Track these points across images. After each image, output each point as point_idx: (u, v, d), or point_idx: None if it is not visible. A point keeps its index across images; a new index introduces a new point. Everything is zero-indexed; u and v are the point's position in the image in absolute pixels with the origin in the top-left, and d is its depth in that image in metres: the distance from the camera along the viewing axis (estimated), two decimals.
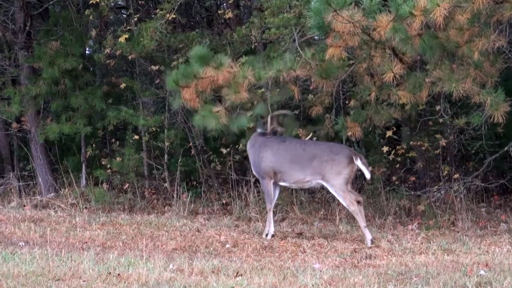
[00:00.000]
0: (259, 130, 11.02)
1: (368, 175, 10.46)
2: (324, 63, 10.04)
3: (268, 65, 10.21)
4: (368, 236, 10.18)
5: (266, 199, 10.79)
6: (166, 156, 14.26)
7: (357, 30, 9.10)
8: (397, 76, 9.53)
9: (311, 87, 12.29)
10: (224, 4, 15.85)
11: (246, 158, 14.13)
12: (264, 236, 10.64)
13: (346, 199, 10.32)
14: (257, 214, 12.41)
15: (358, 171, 10.62)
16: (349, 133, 11.26)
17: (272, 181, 10.68)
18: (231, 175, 13.64)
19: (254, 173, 11.02)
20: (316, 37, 11.54)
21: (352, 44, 9.40)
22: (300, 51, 10.20)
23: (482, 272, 7.83)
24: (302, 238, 10.70)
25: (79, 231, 11.00)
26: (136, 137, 14.27)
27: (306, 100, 12.30)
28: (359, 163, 10.33)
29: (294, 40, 10.71)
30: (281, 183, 10.78)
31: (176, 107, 11.05)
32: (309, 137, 12.11)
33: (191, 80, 10.04)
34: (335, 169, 10.36)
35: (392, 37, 9.05)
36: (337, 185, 10.34)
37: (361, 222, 10.29)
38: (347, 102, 12.84)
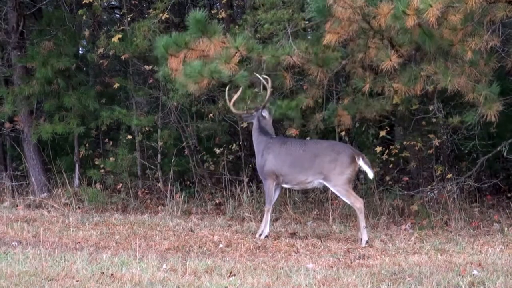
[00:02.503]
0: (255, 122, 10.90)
1: (371, 174, 10.40)
2: (319, 54, 10.02)
3: (264, 49, 10.15)
4: (365, 238, 10.16)
5: (266, 200, 10.78)
6: (159, 156, 14.26)
7: (357, 17, 9.09)
8: (395, 65, 9.50)
9: (304, 87, 12.30)
10: (218, 4, 15.84)
11: (239, 158, 14.15)
12: (257, 236, 10.64)
13: (351, 197, 10.30)
14: (250, 214, 12.41)
15: (360, 171, 10.62)
16: (338, 121, 11.22)
17: (274, 183, 10.67)
18: (225, 175, 13.64)
19: (258, 173, 11.01)
20: (312, 25, 11.51)
21: (350, 32, 9.37)
22: (294, 46, 10.18)
23: (475, 272, 7.85)
24: (296, 238, 10.71)
25: (72, 231, 10.98)
26: (130, 137, 14.26)
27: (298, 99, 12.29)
28: (361, 162, 10.29)
29: (289, 38, 10.69)
30: (284, 185, 10.77)
31: (161, 76, 10.92)
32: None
33: (181, 49, 9.95)
34: (338, 169, 10.31)
35: (392, 26, 9.04)
36: (339, 184, 10.31)
37: (362, 222, 10.27)
38: (340, 102, 12.84)
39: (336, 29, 9.32)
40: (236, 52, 9.89)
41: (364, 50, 10.06)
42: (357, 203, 10.30)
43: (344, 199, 10.45)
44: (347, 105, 11.29)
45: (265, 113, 10.89)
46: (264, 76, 10.71)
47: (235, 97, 10.74)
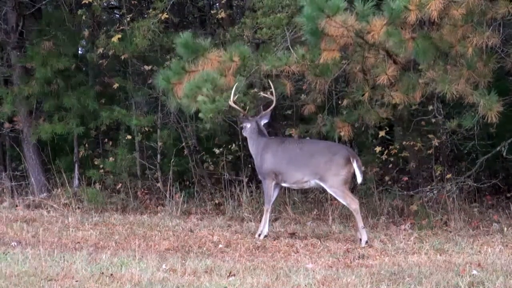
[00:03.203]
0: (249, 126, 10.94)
1: (359, 179, 10.42)
2: (316, 63, 10.01)
3: (263, 60, 10.14)
4: (364, 238, 10.16)
5: (265, 200, 10.79)
6: (159, 156, 14.25)
7: (350, 34, 9.09)
8: (391, 78, 9.52)
9: (303, 87, 12.29)
10: (217, 4, 15.82)
11: (238, 158, 14.15)
12: (257, 236, 10.63)
13: (347, 198, 10.32)
14: (250, 214, 12.41)
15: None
16: (341, 133, 11.24)
17: (273, 182, 10.68)
18: (224, 175, 13.63)
19: (258, 174, 11.03)
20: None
21: (346, 46, 9.38)
22: (292, 51, 10.17)
23: (474, 272, 7.85)
24: (295, 238, 10.71)
25: (72, 231, 10.98)
26: (129, 137, 14.24)
27: (299, 100, 12.30)
28: (354, 165, 10.30)
29: (286, 40, 10.69)
30: (283, 184, 10.79)
31: (174, 107, 10.93)
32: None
33: (182, 75, 9.95)
34: (333, 170, 10.34)
35: (385, 40, 9.06)
36: (335, 185, 10.33)
37: (360, 222, 10.29)
38: (339, 102, 12.84)
39: (332, 46, 9.32)
40: (232, 64, 9.89)
41: (362, 60, 10.07)
42: (353, 204, 10.31)
43: (340, 200, 10.46)
44: (347, 113, 11.31)
45: (265, 120, 10.93)
46: (268, 95, 10.87)
47: (233, 91, 10.48)
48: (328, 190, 10.52)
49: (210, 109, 9.99)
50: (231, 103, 10.44)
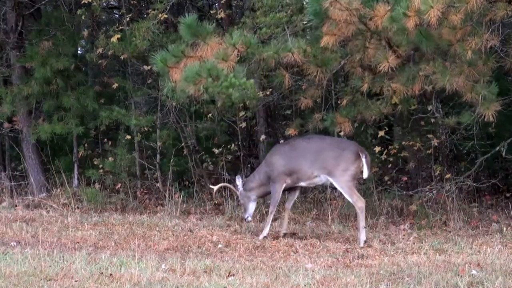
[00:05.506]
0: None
1: (366, 174, 10.39)
2: (318, 55, 10.01)
3: (265, 46, 10.10)
4: (363, 237, 10.15)
5: (271, 202, 10.71)
6: (158, 156, 14.25)
7: (353, 19, 9.09)
8: (392, 66, 9.49)
9: (303, 87, 12.29)
10: (216, 4, 15.83)
11: (238, 158, 14.16)
12: (261, 237, 10.57)
13: (353, 195, 10.28)
14: None
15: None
16: (339, 129, 11.23)
17: (284, 185, 10.62)
18: (224, 175, 13.64)
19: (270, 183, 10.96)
20: (310, 25, 11.49)
21: (347, 33, 9.35)
22: (292, 46, 10.15)
23: (474, 272, 7.86)
24: (295, 238, 10.71)
25: (71, 231, 10.98)
26: (128, 137, 14.24)
27: (298, 100, 12.30)
28: (363, 160, 10.29)
29: (287, 39, 10.68)
30: (300, 184, 10.70)
31: (168, 90, 10.87)
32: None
33: (180, 59, 9.88)
34: (342, 165, 10.30)
35: (388, 27, 9.05)
36: (343, 181, 10.28)
37: (362, 221, 10.25)
38: (339, 102, 12.84)
39: (333, 31, 9.30)
40: (234, 50, 9.84)
41: (363, 50, 10.04)
42: (359, 202, 10.28)
43: (347, 196, 10.40)
44: (347, 109, 11.28)
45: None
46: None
47: (218, 186, 11.38)
48: (336, 186, 10.44)
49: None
50: (214, 188, 11.23)
